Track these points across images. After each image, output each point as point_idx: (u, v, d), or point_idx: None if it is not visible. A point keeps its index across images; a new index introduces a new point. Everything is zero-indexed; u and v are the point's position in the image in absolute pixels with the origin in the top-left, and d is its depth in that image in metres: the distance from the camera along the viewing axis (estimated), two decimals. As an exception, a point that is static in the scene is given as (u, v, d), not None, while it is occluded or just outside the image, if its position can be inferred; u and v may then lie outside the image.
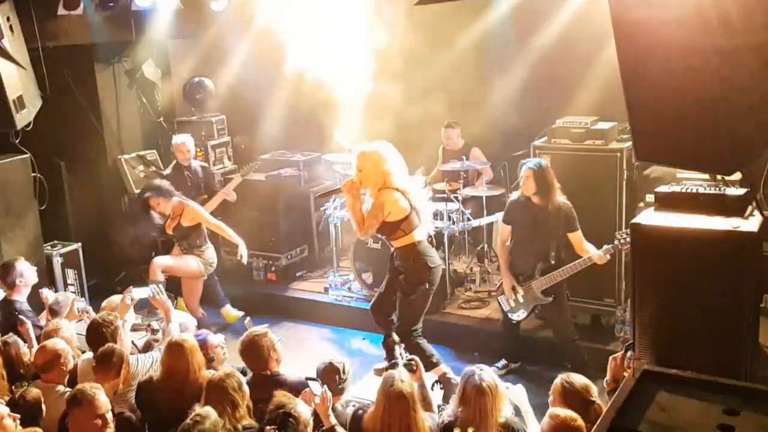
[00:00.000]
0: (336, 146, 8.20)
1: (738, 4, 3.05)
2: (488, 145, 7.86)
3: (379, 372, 4.51)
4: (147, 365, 4.79)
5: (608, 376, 4.07)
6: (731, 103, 3.36)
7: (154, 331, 5.71)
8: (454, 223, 7.34)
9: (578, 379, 4.01)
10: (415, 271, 5.62)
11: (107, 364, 4.55)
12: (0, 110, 6.60)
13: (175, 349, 4.46)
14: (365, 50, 8.31)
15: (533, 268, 5.93)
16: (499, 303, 6.25)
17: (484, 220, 7.55)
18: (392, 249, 5.75)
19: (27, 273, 5.96)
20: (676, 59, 3.53)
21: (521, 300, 6.02)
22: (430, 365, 5.79)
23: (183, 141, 7.99)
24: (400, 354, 4.76)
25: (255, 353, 4.60)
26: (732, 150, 3.44)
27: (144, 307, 6.87)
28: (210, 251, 7.29)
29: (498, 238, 6.31)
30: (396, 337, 4.69)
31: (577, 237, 5.85)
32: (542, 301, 5.96)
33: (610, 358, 4.11)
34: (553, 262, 5.86)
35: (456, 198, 7.42)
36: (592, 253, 5.74)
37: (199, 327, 6.77)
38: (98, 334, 4.84)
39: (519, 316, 6.11)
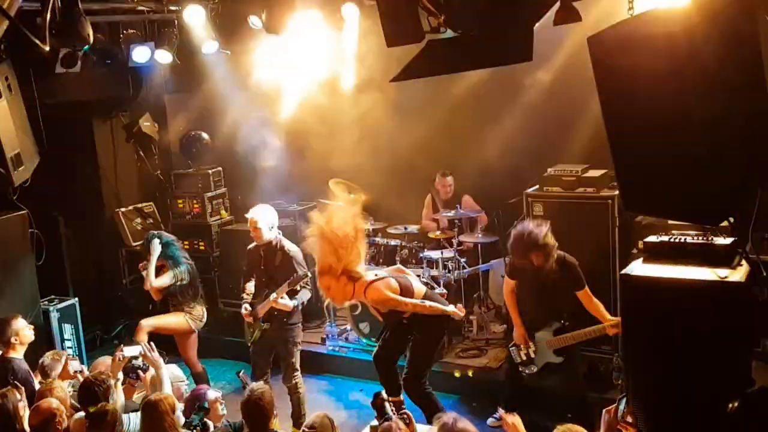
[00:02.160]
0: (333, 196, 8.25)
1: (713, 60, 3.11)
2: (481, 193, 7.91)
3: (374, 429, 4.47)
4: (140, 424, 4.75)
5: (602, 430, 4.04)
6: (716, 155, 3.40)
7: (134, 372, 5.58)
8: (449, 272, 7.35)
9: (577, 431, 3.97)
10: (435, 317, 5.59)
11: (100, 423, 4.51)
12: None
13: (149, 409, 4.47)
14: (358, 101, 8.45)
15: (545, 327, 5.87)
16: (510, 354, 6.13)
17: (481, 268, 7.56)
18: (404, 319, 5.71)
19: (23, 331, 5.94)
20: (657, 110, 3.59)
21: (533, 355, 5.92)
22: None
23: (251, 215, 6.40)
24: (392, 409, 4.72)
25: (257, 415, 4.56)
26: (718, 201, 3.47)
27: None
28: (199, 308, 7.09)
29: (504, 289, 6.19)
30: (385, 394, 4.68)
31: (585, 295, 5.71)
32: (553, 360, 5.85)
33: (604, 411, 4.08)
34: (566, 323, 5.79)
35: (451, 246, 7.44)
36: (605, 316, 5.64)
37: (199, 381, 6.77)
38: (90, 393, 4.80)
39: (530, 369, 5.99)
